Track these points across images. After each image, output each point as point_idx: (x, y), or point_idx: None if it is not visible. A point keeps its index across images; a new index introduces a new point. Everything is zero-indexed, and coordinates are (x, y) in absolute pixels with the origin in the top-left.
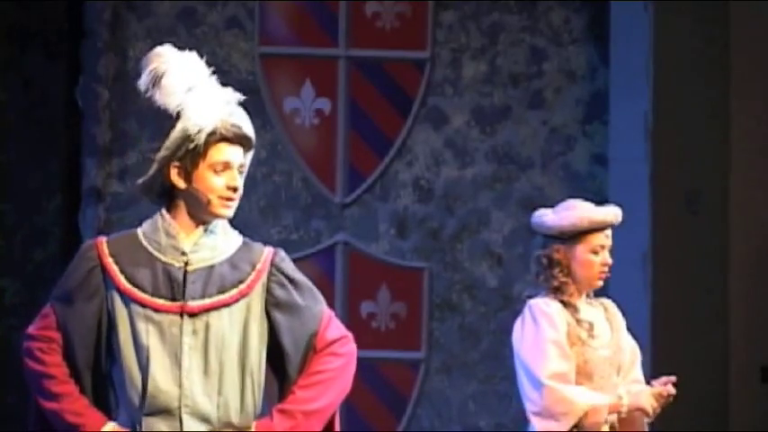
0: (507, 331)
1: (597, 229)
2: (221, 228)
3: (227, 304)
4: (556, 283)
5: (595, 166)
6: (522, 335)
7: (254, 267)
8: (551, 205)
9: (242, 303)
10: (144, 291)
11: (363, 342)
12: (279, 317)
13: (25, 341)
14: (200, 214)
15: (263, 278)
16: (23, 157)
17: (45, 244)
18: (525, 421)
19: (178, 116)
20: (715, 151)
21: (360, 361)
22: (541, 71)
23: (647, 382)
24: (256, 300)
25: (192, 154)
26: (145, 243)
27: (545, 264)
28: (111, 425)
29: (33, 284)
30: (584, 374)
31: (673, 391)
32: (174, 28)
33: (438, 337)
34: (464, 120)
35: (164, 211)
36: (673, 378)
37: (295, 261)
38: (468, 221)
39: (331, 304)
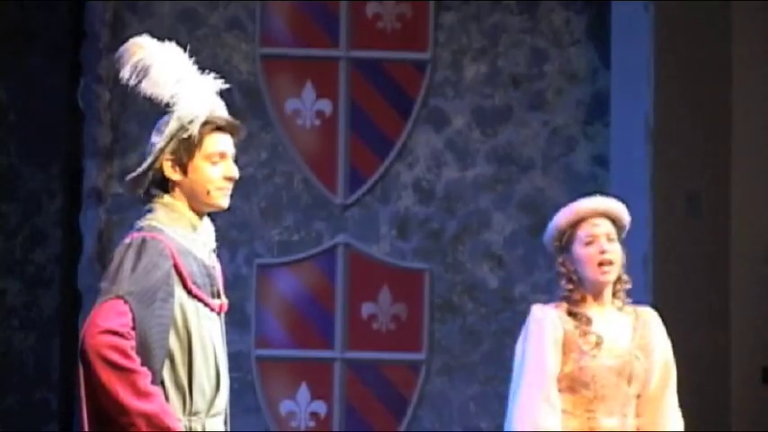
0: (508, 332)
1: (584, 219)
2: None
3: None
4: (563, 293)
5: (596, 168)
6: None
7: None
8: (552, 206)
9: None
10: (201, 289)
11: (364, 343)
12: None
13: (104, 335)
14: (199, 206)
15: None
16: (24, 159)
17: (46, 245)
18: None
19: (167, 107)
20: (716, 153)
21: (361, 362)
22: (542, 72)
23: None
24: None
25: (186, 144)
26: (180, 240)
27: (557, 277)
28: None
29: (34, 285)
30: (579, 382)
31: None
32: (174, 29)
33: (439, 339)
34: (465, 121)
35: (178, 204)
36: None
37: (296, 262)
38: (469, 223)
39: (332, 305)
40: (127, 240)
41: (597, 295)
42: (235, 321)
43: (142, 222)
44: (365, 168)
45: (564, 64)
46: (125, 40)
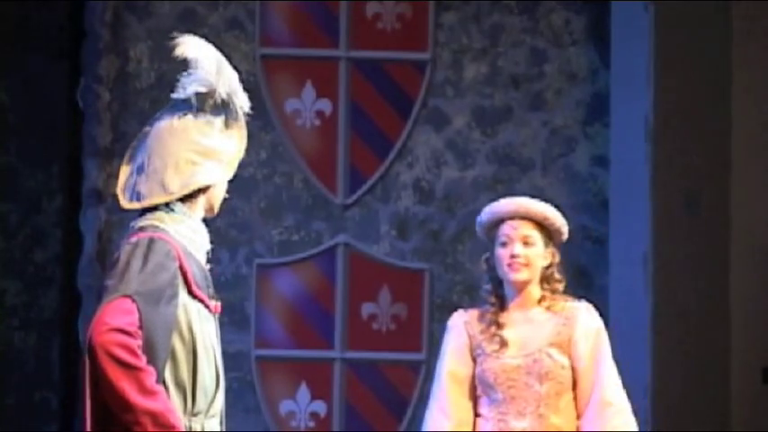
0: None
1: (503, 220)
2: None
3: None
4: (483, 295)
5: (596, 168)
6: None
7: None
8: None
9: None
10: (202, 291)
11: (364, 343)
12: None
13: (111, 333)
14: (209, 212)
15: None
16: (24, 159)
17: (46, 245)
18: None
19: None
20: (715, 152)
21: (361, 362)
22: (542, 72)
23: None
24: None
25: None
26: (184, 242)
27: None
28: None
29: (34, 285)
30: (485, 384)
31: None
32: (174, 29)
33: (439, 339)
34: (465, 121)
35: (184, 207)
36: None
37: (296, 262)
38: (469, 223)
39: (332, 305)
40: (133, 240)
41: (518, 294)
42: (235, 321)
43: (143, 222)
44: (365, 168)
45: (564, 64)
46: (125, 40)
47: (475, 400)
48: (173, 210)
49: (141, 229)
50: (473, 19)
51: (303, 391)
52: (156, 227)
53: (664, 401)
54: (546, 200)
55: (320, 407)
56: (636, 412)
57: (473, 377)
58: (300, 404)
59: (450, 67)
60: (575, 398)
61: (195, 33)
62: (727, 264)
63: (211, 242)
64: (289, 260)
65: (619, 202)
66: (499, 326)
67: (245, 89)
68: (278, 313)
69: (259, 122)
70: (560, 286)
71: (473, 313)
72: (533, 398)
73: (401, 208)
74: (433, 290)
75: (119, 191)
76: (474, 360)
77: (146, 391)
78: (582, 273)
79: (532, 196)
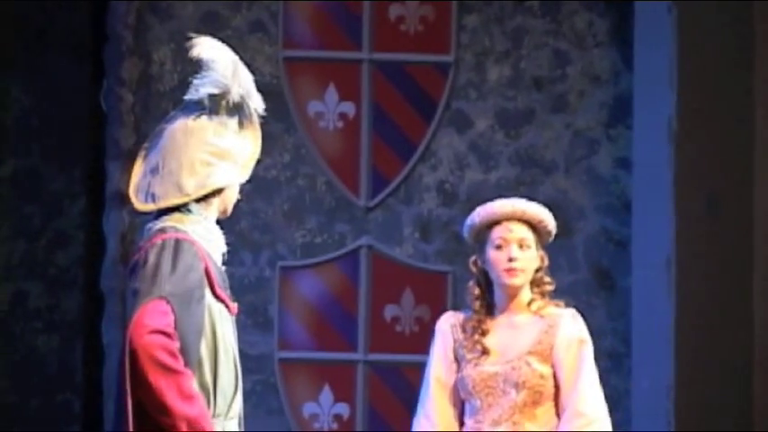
0: None
1: (499, 222)
2: None
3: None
4: (468, 300)
5: (619, 170)
6: None
7: None
8: (575, 209)
9: None
10: (224, 292)
11: (387, 346)
12: None
13: (153, 335)
14: (222, 214)
15: None
16: (47, 161)
17: (69, 247)
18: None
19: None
20: (738, 155)
21: (383, 364)
22: (565, 75)
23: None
24: None
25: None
26: (203, 243)
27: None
28: None
29: (57, 288)
30: (465, 391)
31: None
32: (197, 32)
33: None
34: (488, 123)
35: (200, 208)
36: None
37: (319, 264)
38: None
39: (355, 308)
40: (158, 241)
41: (509, 299)
42: (258, 323)
43: (162, 224)
44: (388, 170)
45: (587, 66)
46: (148, 42)
47: (461, 405)
48: (190, 211)
49: (162, 230)
50: (496, 21)
51: (326, 394)
52: (177, 228)
53: (686, 403)
54: (569, 202)
55: (343, 409)
56: (658, 414)
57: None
58: (323, 406)
59: (472, 70)
60: (557, 406)
61: (218, 36)
62: (749, 265)
63: (232, 244)
64: (312, 262)
65: (641, 204)
66: (483, 333)
67: (269, 92)
68: (301, 315)
69: (282, 125)
70: (550, 289)
71: (459, 317)
72: (509, 405)
73: (424, 210)
74: (456, 292)
75: (131, 192)
76: (458, 365)
77: (184, 395)
78: (604, 275)
79: (556, 199)
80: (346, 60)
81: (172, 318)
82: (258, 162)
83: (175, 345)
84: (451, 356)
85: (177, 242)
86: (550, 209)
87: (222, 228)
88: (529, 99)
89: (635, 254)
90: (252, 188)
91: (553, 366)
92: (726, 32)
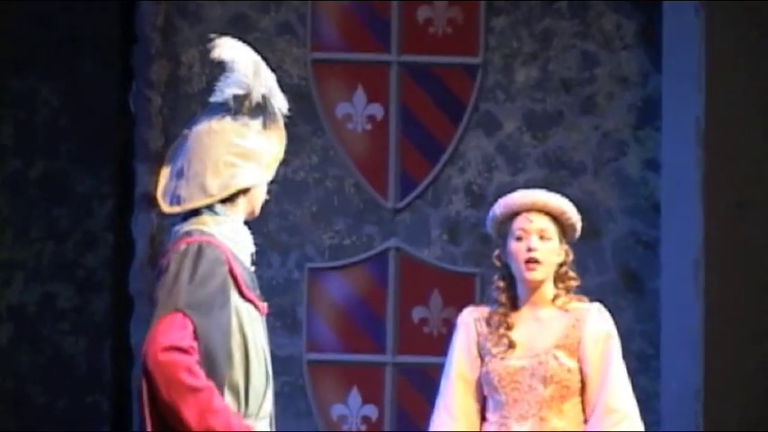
0: None
1: (519, 213)
2: None
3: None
4: (494, 294)
5: (647, 172)
6: None
7: None
8: (603, 211)
9: None
10: (251, 292)
11: (415, 347)
12: None
13: (167, 353)
14: (250, 215)
15: None
16: (76, 163)
17: (97, 249)
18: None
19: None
20: (767, 156)
21: (411, 366)
22: (593, 76)
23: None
24: None
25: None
26: (229, 244)
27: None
28: None
29: (85, 289)
30: (490, 386)
31: None
32: (226, 34)
33: None
34: (516, 125)
35: (225, 209)
36: None
37: (347, 266)
38: None
39: (383, 309)
40: (182, 247)
41: (531, 293)
42: (286, 325)
43: (189, 227)
44: (416, 173)
45: (615, 68)
46: (176, 44)
47: (483, 401)
48: (216, 212)
49: (187, 233)
50: (524, 23)
51: (354, 396)
52: (203, 231)
53: (715, 405)
54: (597, 204)
55: (371, 411)
56: (687, 416)
57: (480, 378)
58: (351, 408)
59: (500, 72)
60: (583, 401)
61: (246, 38)
62: None
63: (260, 245)
64: (340, 264)
65: (670, 205)
66: (508, 327)
67: (297, 94)
68: (329, 317)
69: (310, 127)
70: (575, 285)
71: (483, 311)
72: (536, 400)
73: (452, 212)
74: (484, 294)
75: (159, 196)
76: (482, 360)
77: (203, 410)
78: (633, 277)
79: (584, 201)
80: (374, 62)
81: (191, 329)
82: (286, 164)
83: (194, 359)
84: (475, 351)
85: (199, 248)
86: (578, 211)
87: (250, 229)
88: (557, 101)
89: (663, 256)
90: (280, 190)
91: (579, 361)
92: (754, 33)
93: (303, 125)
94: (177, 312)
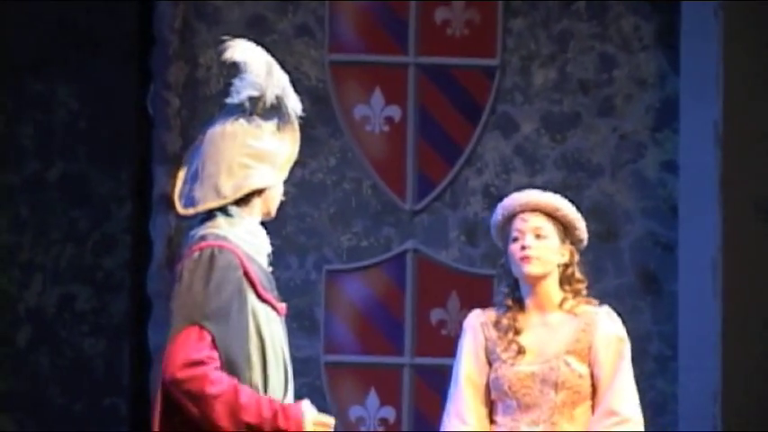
0: None
1: (515, 215)
2: None
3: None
4: (499, 299)
5: (665, 174)
6: None
7: None
8: (622, 213)
9: None
10: (268, 293)
11: (433, 349)
12: None
13: (185, 370)
14: (266, 216)
15: None
16: (94, 165)
17: (116, 251)
18: None
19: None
20: None
21: (429, 368)
22: (611, 78)
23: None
24: None
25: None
26: (244, 246)
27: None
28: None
29: (104, 291)
30: (500, 391)
31: None
32: (243, 36)
33: None
34: (534, 127)
35: (240, 211)
36: None
37: (365, 268)
38: None
39: (401, 311)
40: (195, 254)
41: (536, 296)
42: (304, 327)
43: (203, 230)
44: (434, 174)
45: (633, 69)
46: (194, 46)
47: (491, 405)
48: (230, 215)
49: (202, 238)
50: (542, 25)
51: (372, 397)
52: (217, 234)
53: (733, 408)
54: (615, 206)
55: (389, 413)
56: (705, 419)
57: (488, 383)
58: (369, 410)
59: (518, 73)
60: (593, 406)
61: (264, 40)
62: None
63: (278, 247)
64: (358, 266)
65: (688, 207)
66: (517, 331)
67: (315, 95)
68: (347, 319)
69: (328, 129)
70: (582, 287)
71: (490, 315)
72: (548, 406)
73: (470, 214)
74: None
75: (175, 198)
76: (489, 364)
77: (233, 412)
78: (651, 279)
79: (602, 203)
80: (392, 64)
81: (208, 340)
82: (304, 166)
83: (211, 367)
84: (483, 356)
85: (212, 255)
86: (596, 213)
87: (268, 231)
88: (575, 102)
89: (681, 257)
90: (298, 192)
91: (591, 365)
92: None
93: (321, 127)
94: (193, 326)
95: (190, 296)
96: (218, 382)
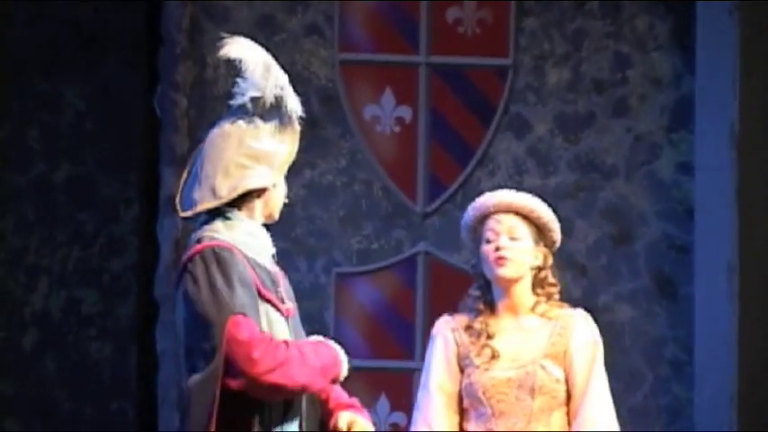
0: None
1: (489, 216)
2: None
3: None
4: (469, 302)
5: (680, 175)
6: None
7: None
8: (636, 214)
9: None
10: (270, 292)
11: None
12: None
13: (250, 350)
14: (268, 218)
15: None
16: (101, 167)
17: (123, 254)
18: None
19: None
20: None
21: None
22: (626, 78)
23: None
24: None
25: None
26: (241, 247)
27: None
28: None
29: (111, 294)
30: (473, 398)
31: None
32: (252, 35)
33: None
34: (547, 128)
35: (240, 213)
36: None
37: (375, 271)
38: None
39: (412, 315)
40: (195, 257)
41: (508, 299)
42: (313, 331)
43: (200, 233)
44: (445, 176)
45: (647, 69)
46: (202, 46)
47: (462, 413)
48: (228, 218)
49: (199, 240)
50: (555, 24)
51: (383, 402)
52: (213, 237)
53: (749, 412)
54: (630, 207)
55: (400, 418)
56: (721, 424)
57: (461, 390)
58: (380, 415)
59: (531, 73)
60: (568, 412)
61: (273, 39)
62: None
63: (288, 250)
64: (368, 269)
65: (704, 209)
66: (489, 335)
67: (324, 95)
68: (357, 323)
69: (338, 129)
70: (555, 291)
71: (461, 320)
72: (524, 413)
73: None
74: None
75: (177, 200)
76: (461, 371)
77: (304, 365)
78: (667, 281)
79: (616, 205)
80: (403, 64)
81: (253, 322)
82: (313, 167)
83: (268, 338)
84: (455, 362)
85: (216, 254)
86: (611, 215)
87: (278, 233)
88: (589, 103)
89: (697, 260)
90: (307, 194)
91: (566, 370)
92: None
93: (331, 128)
94: (236, 318)
95: (217, 297)
96: (280, 346)
